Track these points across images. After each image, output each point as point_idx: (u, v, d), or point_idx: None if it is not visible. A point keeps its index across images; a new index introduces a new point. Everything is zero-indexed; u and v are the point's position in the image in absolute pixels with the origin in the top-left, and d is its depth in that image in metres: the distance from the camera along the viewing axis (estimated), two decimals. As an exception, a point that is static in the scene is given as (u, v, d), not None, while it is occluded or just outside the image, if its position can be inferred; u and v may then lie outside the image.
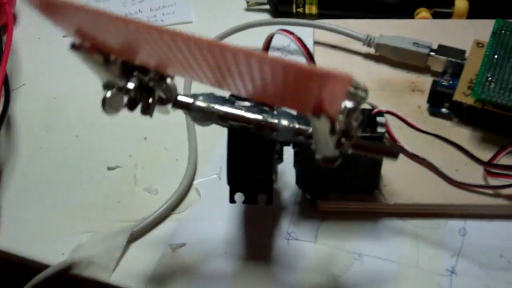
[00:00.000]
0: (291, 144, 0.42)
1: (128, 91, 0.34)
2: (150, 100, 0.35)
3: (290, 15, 0.60)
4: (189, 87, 0.54)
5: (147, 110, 0.35)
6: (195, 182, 0.49)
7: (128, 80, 0.34)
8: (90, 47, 0.31)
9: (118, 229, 0.45)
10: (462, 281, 0.42)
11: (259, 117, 0.36)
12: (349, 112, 0.30)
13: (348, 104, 0.30)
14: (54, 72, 0.58)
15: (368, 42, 0.54)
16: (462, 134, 0.48)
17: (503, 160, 0.45)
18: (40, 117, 0.55)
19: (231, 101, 0.37)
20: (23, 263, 0.46)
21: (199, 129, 0.51)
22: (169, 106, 0.37)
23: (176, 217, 0.47)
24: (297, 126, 0.36)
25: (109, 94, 0.34)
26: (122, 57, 0.32)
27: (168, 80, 0.35)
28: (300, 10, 0.60)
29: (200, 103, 0.37)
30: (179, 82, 0.36)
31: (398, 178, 0.45)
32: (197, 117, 0.37)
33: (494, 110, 0.46)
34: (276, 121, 0.36)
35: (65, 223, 0.47)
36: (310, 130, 0.36)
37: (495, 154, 0.45)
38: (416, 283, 0.42)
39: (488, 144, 0.47)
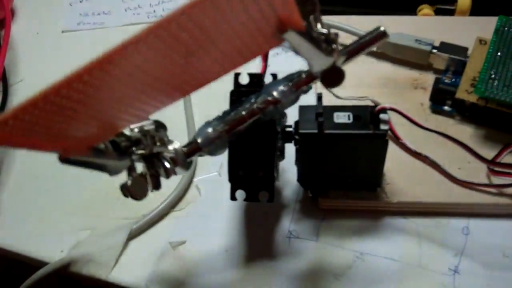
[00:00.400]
0: (293, 142, 0.42)
1: (142, 172, 0.34)
2: (167, 164, 0.34)
3: None
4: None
5: (170, 173, 0.35)
6: (195, 179, 0.48)
7: (130, 158, 0.33)
8: (75, 149, 0.29)
9: (118, 226, 0.45)
10: (465, 280, 0.41)
11: (255, 105, 0.36)
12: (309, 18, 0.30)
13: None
14: (53, 68, 0.58)
15: (370, 39, 0.53)
16: (464, 132, 0.48)
17: (507, 158, 0.45)
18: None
19: (225, 114, 0.37)
20: (22, 260, 0.46)
21: (198, 124, 0.50)
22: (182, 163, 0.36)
23: (176, 214, 0.46)
24: (291, 82, 0.35)
25: (129, 183, 0.33)
26: (107, 139, 0.31)
27: (170, 144, 0.35)
28: None
29: (204, 136, 0.36)
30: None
31: (401, 176, 0.45)
32: (212, 149, 0.37)
33: (497, 107, 0.46)
34: (272, 94, 0.36)
35: (64, 220, 0.47)
36: (302, 75, 0.35)
37: (498, 152, 0.45)
38: (419, 282, 0.42)
39: (491, 142, 0.47)
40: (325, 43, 0.31)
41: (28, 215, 0.47)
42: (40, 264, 0.44)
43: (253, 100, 0.36)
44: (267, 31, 0.29)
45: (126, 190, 0.34)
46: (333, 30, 0.32)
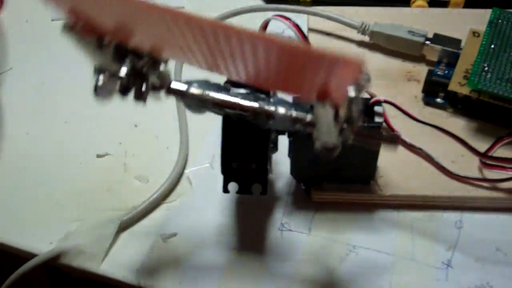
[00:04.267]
0: (286, 133, 0.41)
1: (120, 77, 0.33)
2: (144, 87, 0.34)
3: (284, 1, 0.59)
4: (179, 72, 0.53)
5: (140, 97, 0.34)
6: (186, 171, 0.48)
7: (121, 65, 0.33)
8: (83, 28, 0.29)
9: (108, 218, 0.45)
10: (458, 274, 0.41)
11: (255, 104, 0.35)
12: (352, 99, 0.29)
13: (351, 90, 0.29)
14: (42, 57, 0.57)
15: (362, 30, 0.53)
16: (457, 124, 0.48)
17: (499, 151, 0.45)
18: (27, 102, 0.53)
19: (226, 88, 0.36)
20: (10, 252, 0.45)
21: (190, 116, 0.50)
22: (162, 92, 0.36)
23: (167, 206, 0.46)
24: (294, 114, 0.35)
25: (101, 79, 0.33)
26: (116, 39, 0.31)
27: (162, 66, 0.34)
28: (294, -3, 0.59)
29: (194, 90, 0.35)
30: (170, 67, 0.35)
31: (394, 169, 0.45)
32: (191, 104, 0.36)
33: (489, 100, 0.46)
34: (272, 108, 0.35)
35: (53, 211, 0.46)
36: (308, 118, 0.35)
37: (491, 145, 0.45)
38: (412, 276, 0.42)
39: (483, 134, 0.47)
40: (346, 123, 0.31)
41: (16, 206, 0.46)
42: (28, 255, 0.44)
43: (256, 99, 0.35)
44: (306, 90, 0.28)
45: (95, 87, 0.33)
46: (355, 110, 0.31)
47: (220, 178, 0.41)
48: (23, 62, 0.57)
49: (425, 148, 0.45)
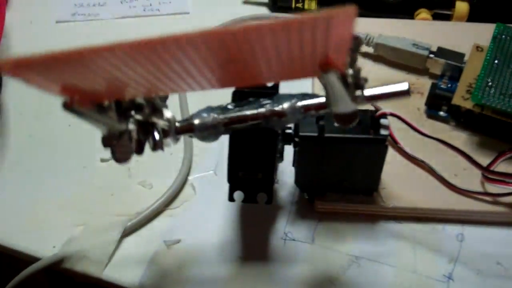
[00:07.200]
0: (292, 143, 0.41)
1: (130, 133, 0.33)
2: (157, 136, 0.34)
3: (288, 10, 0.59)
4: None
5: (157, 147, 0.34)
6: (190, 178, 0.48)
7: (127, 123, 0.33)
8: (81, 101, 0.29)
9: (112, 223, 0.45)
10: (459, 287, 0.42)
11: (263, 110, 0.36)
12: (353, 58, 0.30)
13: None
14: (46, 58, 0.57)
15: (367, 41, 0.53)
16: (459, 138, 0.48)
17: (501, 165, 0.45)
18: (31, 105, 0.53)
19: (229, 106, 0.37)
20: (13, 255, 0.45)
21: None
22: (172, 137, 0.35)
23: (171, 212, 0.46)
24: (301, 103, 0.35)
25: (115, 149, 0.33)
26: (113, 99, 0.31)
27: (167, 113, 0.35)
28: (299, 5, 0.59)
29: (202, 120, 0.36)
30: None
31: (397, 181, 0.45)
32: (205, 135, 0.36)
33: (492, 115, 0.46)
34: (280, 106, 0.35)
35: (56, 215, 0.46)
36: (317, 101, 0.35)
37: (493, 159, 0.45)
38: (413, 288, 0.42)
39: (485, 149, 0.47)
40: (355, 88, 0.31)
41: (20, 210, 0.46)
42: (31, 259, 0.44)
43: (260, 104, 0.36)
44: (309, 65, 0.29)
45: (111, 149, 0.33)
46: (362, 75, 0.32)
47: (224, 185, 0.41)
48: (28, 64, 0.57)
49: (428, 161, 0.45)
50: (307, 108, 0.35)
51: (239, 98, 0.39)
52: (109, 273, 0.43)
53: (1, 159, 0.50)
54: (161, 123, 0.34)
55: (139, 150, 0.34)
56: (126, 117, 0.33)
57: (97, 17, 0.60)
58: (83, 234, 0.44)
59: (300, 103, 0.35)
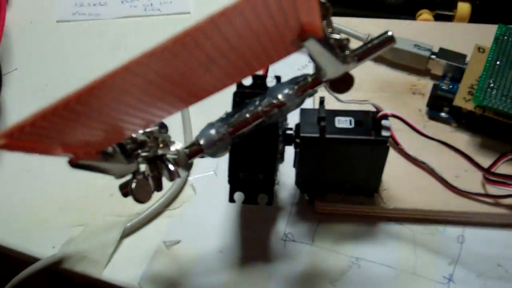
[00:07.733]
0: (293, 144, 0.41)
1: (144, 173, 0.34)
2: (171, 166, 0.34)
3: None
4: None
5: (174, 176, 0.35)
6: (190, 178, 0.48)
7: (137, 162, 0.33)
8: (85, 154, 0.29)
9: (111, 224, 0.45)
10: (460, 289, 0.42)
11: (261, 107, 0.36)
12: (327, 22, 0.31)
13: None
14: (47, 58, 0.57)
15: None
16: (461, 139, 0.48)
17: (503, 167, 0.45)
18: (31, 104, 0.53)
19: (229, 116, 0.37)
20: (12, 255, 0.45)
21: (194, 122, 0.50)
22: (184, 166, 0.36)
23: (171, 213, 0.46)
24: (296, 86, 0.35)
25: (133, 185, 0.33)
26: (114, 143, 0.31)
27: (171, 145, 0.35)
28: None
29: (207, 138, 0.36)
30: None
31: (398, 183, 0.45)
32: (214, 150, 0.36)
33: (494, 116, 0.46)
34: (276, 98, 0.35)
35: (56, 215, 0.46)
36: (309, 78, 0.35)
37: (494, 161, 0.45)
38: (414, 289, 0.42)
39: (486, 150, 0.47)
40: (340, 49, 0.31)
41: (19, 210, 0.46)
42: (31, 260, 0.44)
43: (257, 103, 0.36)
44: (288, 38, 0.28)
45: (130, 192, 0.33)
46: (343, 35, 0.32)
47: (224, 186, 0.41)
48: (28, 63, 0.57)
49: (429, 162, 0.45)
50: (302, 89, 0.35)
51: (239, 99, 0.38)
52: (108, 274, 0.43)
53: (1, 160, 0.49)
54: (169, 153, 0.35)
55: (158, 188, 0.35)
56: (133, 157, 0.33)
57: (98, 17, 0.60)
58: (82, 234, 0.44)
59: (294, 87, 0.35)
